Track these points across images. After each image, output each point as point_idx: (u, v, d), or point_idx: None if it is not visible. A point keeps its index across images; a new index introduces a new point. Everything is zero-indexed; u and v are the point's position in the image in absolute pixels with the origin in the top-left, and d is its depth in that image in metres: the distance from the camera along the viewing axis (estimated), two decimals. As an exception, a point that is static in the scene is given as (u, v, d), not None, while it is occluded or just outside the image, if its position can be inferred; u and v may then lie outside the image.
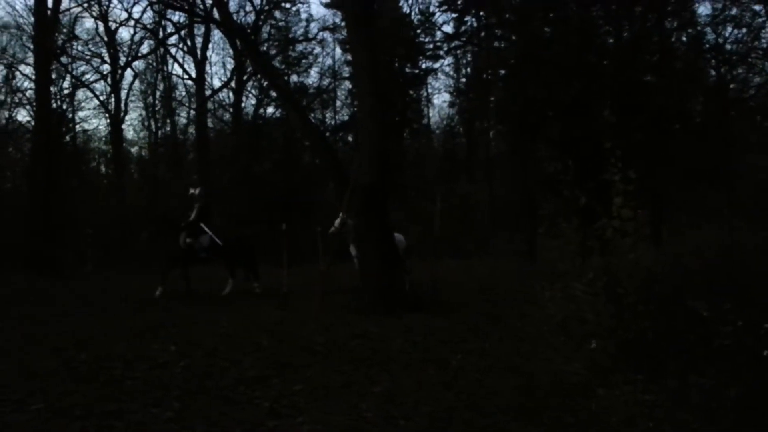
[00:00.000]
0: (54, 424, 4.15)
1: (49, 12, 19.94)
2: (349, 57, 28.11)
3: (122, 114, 27.70)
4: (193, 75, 28.01)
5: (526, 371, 5.53)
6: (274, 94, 26.40)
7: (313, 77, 30.62)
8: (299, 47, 27.90)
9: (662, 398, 4.55)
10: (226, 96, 29.25)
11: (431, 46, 28.62)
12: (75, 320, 8.37)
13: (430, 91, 32.48)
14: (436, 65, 30.14)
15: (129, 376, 5.34)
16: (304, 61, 28.02)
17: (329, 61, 30.92)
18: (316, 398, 4.74)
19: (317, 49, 29.51)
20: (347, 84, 29.60)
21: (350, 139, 29.31)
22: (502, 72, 20.15)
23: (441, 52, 29.23)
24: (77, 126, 28.70)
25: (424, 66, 29.42)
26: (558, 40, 13.76)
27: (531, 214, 17.60)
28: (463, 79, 31.98)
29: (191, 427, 4.11)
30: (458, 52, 29.94)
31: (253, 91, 28.34)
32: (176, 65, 33.87)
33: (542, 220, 8.22)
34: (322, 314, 8.48)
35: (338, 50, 30.10)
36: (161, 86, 29.49)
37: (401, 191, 23.53)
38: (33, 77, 23.34)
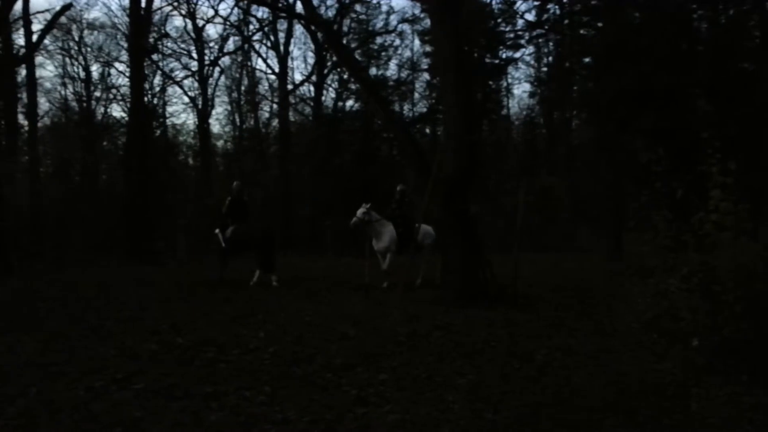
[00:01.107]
0: (155, 403, 4.40)
1: (141, 11, 20.89)
2: (428, 48, 28.09)
3: (209, 109, 28.81)
4: (276, 69, 28.73)
5: (615, 369, 5.38)
6: (353, 87, 26.74)
7: (391, 69, 30.71)
8: (379, 40, 28.07)
9: (765, 400, 4.33)
10: (307, 90, 29.85)
11: (512, 35, 28.08)
12: (171, 306, 8.80)
13: (510, 81, 31.97)
14: (517, 55, 29.59)
15: (222, 360, 5.59)
16: (383, 53, 28.14)
17: (408, 53, 31.00)
18: (402, 388, 4.79)
19: (396, 41, 29.62)
20: (425, 76, 29.56)
21: (428, 131, 29.28)
22: (587, 60, 19.55)
23: (522, 41, 28.63)
24: (167, 120, 30.14)
25: (504, 56, 28.95)
26: (649, 27, 13.17)
27: (617, 207, 17.02)
28: (545, 69, 31.27)
29: (283, 411, 4.25)
30: (540, 40, 29.25)
31: (333, 85, 28.78)
32: (260, 60, 34.77)
33: (631, 213, 7.93)
34: (404, 305, 8.55)
35: (417, 42, 30.10)
36: (245, 81, 30.44)
37: (480, 183, 23.29)
38: (127, 74, 24.66)
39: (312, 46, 28.35)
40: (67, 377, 5.01)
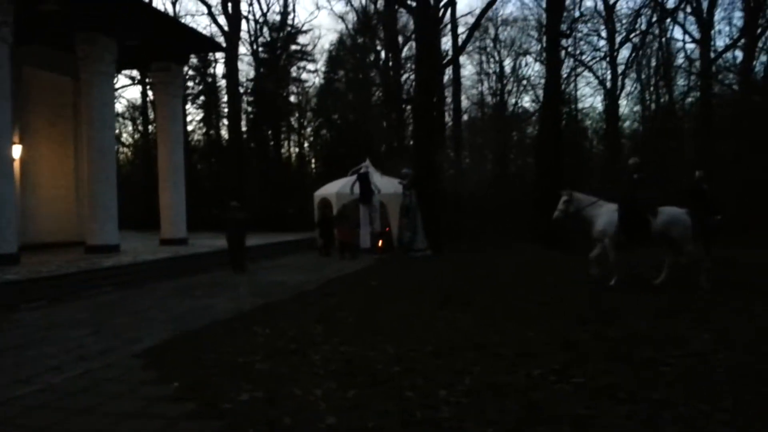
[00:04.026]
0: (599, 402, 3.98)
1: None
2: None
3: (618, 90, 27.65)
4: (696, 37, 25.81)
5: None
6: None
7: None
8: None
9: None
10: (732, 56, 26.10)
11: None
12: (588, 293, 8.54)
13: None
14: None
15: (662, 361, 4.95)
16: None
17: None
18: None
19: None
20: None
21: None
22: None
23: None
24: (576, 105, 30.01)
25: None
26: None
27: None
28: None
29: (753, 435, 3.44)
30: None
31: (766, 47, 24.43)
32: (676, 30, 31.90)
33: None
34: None
35: None
36: (659, 54, 28.19)
37: None
38: (536, 64, 25.19)
39: (740, 4, 24.63)
40: (504, 360, 5.07)
